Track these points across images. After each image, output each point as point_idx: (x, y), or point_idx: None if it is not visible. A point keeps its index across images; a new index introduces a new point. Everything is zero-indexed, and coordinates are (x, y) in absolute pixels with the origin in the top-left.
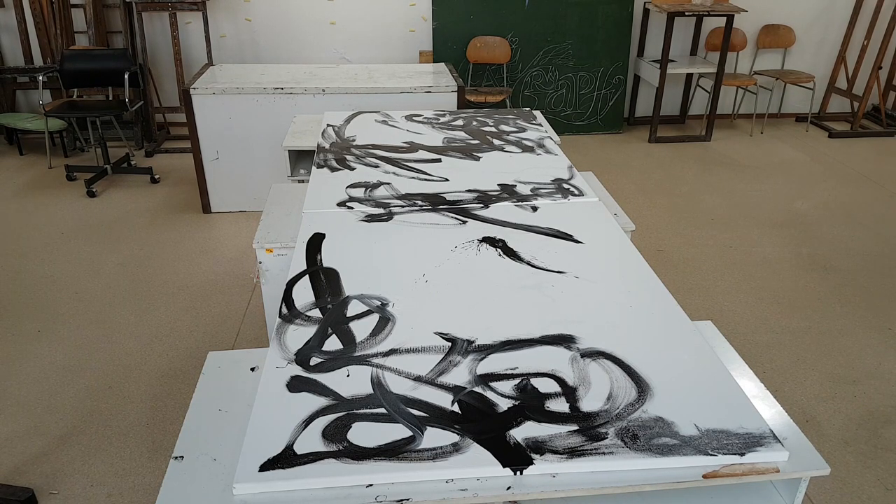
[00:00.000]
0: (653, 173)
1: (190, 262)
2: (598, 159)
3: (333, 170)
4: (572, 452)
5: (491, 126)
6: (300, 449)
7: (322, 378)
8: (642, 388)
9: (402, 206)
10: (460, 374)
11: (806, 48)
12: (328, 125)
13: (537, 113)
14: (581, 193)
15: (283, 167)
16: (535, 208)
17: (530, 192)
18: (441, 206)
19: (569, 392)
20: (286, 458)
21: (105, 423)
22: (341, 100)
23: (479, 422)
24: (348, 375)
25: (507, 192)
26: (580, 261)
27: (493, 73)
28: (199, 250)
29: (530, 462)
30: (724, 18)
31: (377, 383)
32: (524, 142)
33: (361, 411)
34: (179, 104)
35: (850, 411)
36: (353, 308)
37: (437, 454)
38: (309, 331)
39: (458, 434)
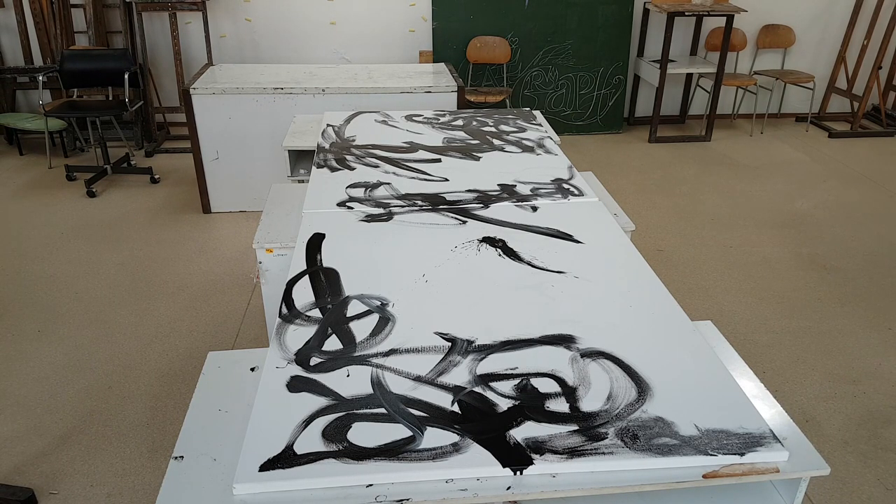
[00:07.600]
0: (653, 173)
1: (190, 262)
2: (598, 159)
3: (333, 170)
4: (572, 452)
5: (491, 126)
6: (300, 449)
7: (322, 378)
8: (642, 388)
9: (402, 206)
10: (460, 374)
11: (806, 48)
12: (328, 125)
13: (537, 113)
14: (581, 193)
15: (283, 167)
16: (535, 208)
17: (530, 192)
18: (441, 206)
19: (569, 392)
20: (286, 458)
21: (105, 423)
22: (341, 100)
23: (479, 422)
24: (348, 375)
25: (507, 192)
26: (580, 261)
27: (493, 73)
28: (199, 250)
29: (530, 462)
30: (724, 18)
31: (377, 383)
32: (524, 142)
33: (361, 411)
34: (179, 104)
35: (850, 411)
36: (353, 308)
37: (437, 454)
38: (309, 331)
39: (458, 434)
